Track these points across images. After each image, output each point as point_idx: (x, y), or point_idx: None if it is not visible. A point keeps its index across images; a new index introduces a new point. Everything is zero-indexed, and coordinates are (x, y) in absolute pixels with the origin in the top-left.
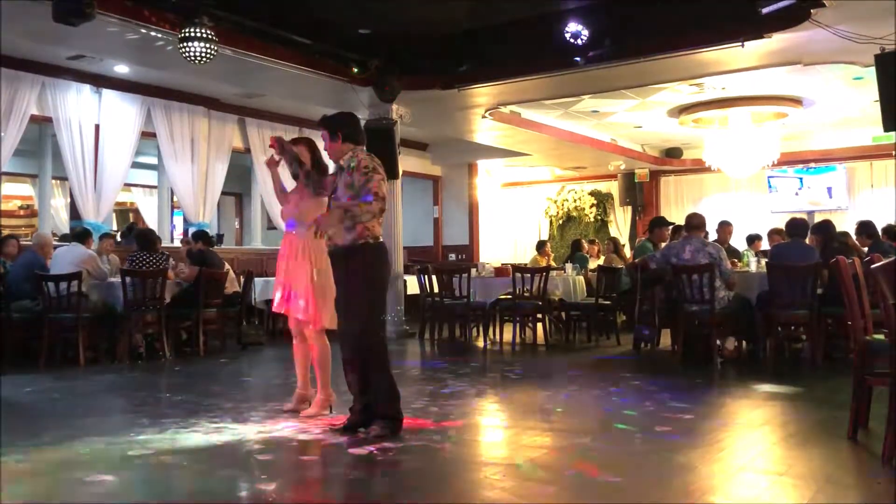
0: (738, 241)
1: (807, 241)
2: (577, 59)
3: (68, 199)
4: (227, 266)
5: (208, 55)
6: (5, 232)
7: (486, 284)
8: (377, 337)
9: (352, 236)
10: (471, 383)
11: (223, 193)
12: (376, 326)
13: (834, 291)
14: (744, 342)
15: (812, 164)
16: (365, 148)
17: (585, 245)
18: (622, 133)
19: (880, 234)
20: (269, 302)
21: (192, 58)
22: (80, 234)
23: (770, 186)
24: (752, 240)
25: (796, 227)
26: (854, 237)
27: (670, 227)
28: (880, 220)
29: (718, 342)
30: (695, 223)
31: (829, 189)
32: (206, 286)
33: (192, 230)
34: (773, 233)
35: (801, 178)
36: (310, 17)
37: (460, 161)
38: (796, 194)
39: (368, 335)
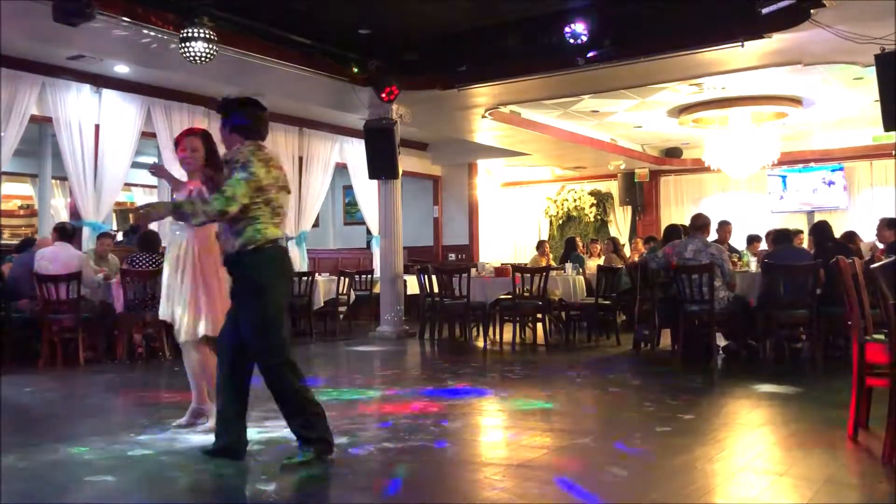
0: (738, 241)
1: (804, 244)
2: (578, 59)
3: (68, 199)
4: None
5: (208, 55)
6: (5, 232)
7: (485, 284)
8: (274, 353)
9: (239, 242)
10: (471, 383)
11: None
12: (273, 341)
13: (831, 291)
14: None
15: (812, 164)
16: (260, 143)
17: (580, 244)
18: (622, 133)
19: None
20: None
21: (193, 58)
22: (70, 232)
23: (783, 186)
24: (751, 241)
25: (782, 235)
26: (877, 232)
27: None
28: None
29: (719, 344)
30: (698, 224)
31: (828, 188)
32: None
33: None
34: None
35: (803, 178)
36: (310, 17)
37: (460, 161)
38: (797, 192)
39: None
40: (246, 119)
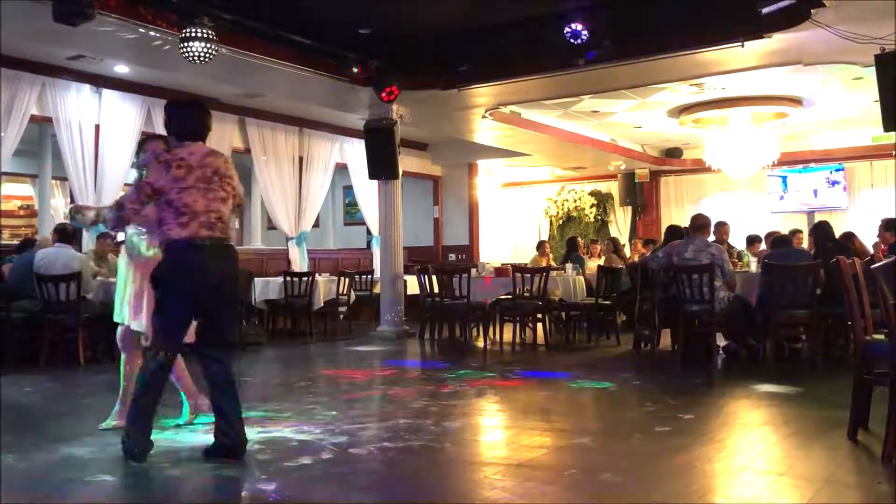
0: (738, 242)
1: (804, 244)
2: (578, 59)
3: (68, 199)
4: None
5: (208, 55)
6: (5, 232)
7: (485, 284)
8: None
9: (158, 243)
10: (471, 383)
11: None
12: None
13: (831, 291)
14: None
15: (812, 164)
16: (186, 143)
17: (581, 244)
18: (622, 133)
19: None
20: (268, 302)
21: (193, 58)
22: (70, 233)
23: (783, 186)
24: (751, 241)
25: (781, 241)
26: (880, 232)
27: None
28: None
29: (719, 344)
30: (698, 224)
31: (831, 188)
32: None
33: None
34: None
35: (804, 178)
36: (310, 17)
37: (460, 161)
38: (797, 193)
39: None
40: (174, 119)
